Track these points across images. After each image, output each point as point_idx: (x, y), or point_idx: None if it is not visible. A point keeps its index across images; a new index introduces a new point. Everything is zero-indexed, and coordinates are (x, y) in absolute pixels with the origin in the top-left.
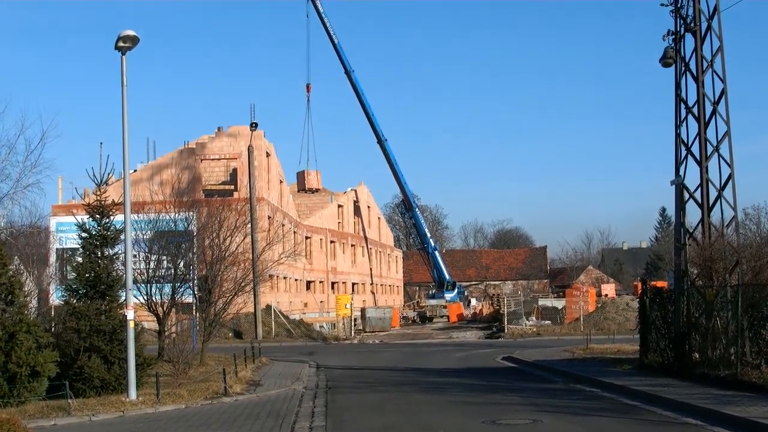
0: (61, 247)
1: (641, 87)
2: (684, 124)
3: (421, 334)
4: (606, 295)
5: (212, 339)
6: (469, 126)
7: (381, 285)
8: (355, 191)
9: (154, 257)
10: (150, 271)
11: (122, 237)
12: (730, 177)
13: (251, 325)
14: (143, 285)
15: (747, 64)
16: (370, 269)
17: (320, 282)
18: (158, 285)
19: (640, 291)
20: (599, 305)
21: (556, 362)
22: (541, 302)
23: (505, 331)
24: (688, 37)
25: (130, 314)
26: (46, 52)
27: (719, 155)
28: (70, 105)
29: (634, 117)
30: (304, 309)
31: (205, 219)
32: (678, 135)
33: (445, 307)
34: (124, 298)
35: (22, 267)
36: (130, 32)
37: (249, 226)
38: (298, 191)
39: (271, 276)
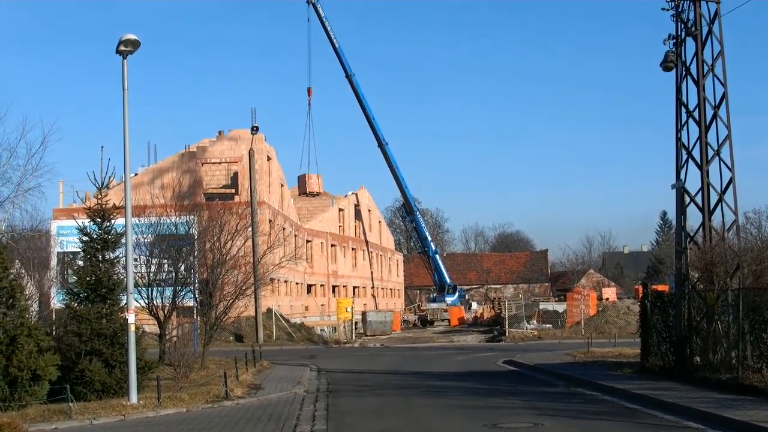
0: (62, 250)
1: (642, 91)
2: (685, 128)
3: (422, 337)
4: (607, 299)
5: (213, 342)
6: (469, 130)
7: (382, 288)
8: (356, 195)
9: (155, 261)
10: (151, 274)
11: (123, 240)
12: (731, 181)
13: (252, 328)
14: (144, 288)
15: (748, 68)
16: (371, 273)
17: (321, 285)
18: (159, 288)
19: (641, 295)
20: (600, 309)
21: (557, 366)
22: (542, 306)
23: (506, 334)
24: (689, 41)
25: (131, 318)
26: (47, 56)
27: (720, 159)
28: (71, 109)
29: (635, 121)
30: (305, 312)
31: (206, 222)
32: (679, 139)
33: (446, 310)
34: (125, 301)
35: (23, 270)
36: (132, 36)
37: (250, 229)
38: (299, 195)
39: (272, 279)
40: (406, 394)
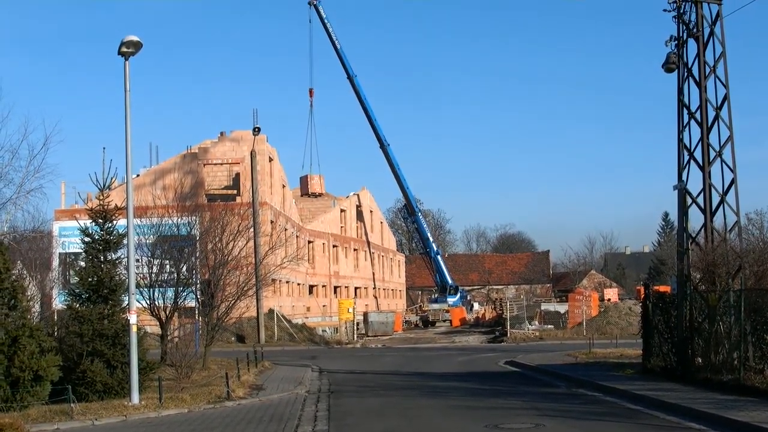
0: (64, 251)
1: (644, 92)
2: (687, 129)
3: (423, 338)
4: (609, 300)
5: (215, 343)
6: (471, 131)
7: (383, 289)
8: (358, 196)
9: (156, 261)
10: (153, 275)
11: (125, 241)
12: (732, 182)
13: (254, 329)
14: (146, 289)
15: (750, 69)
16: (373, 273)
17: (323, 286)
18: (161, 289)
19: (642, 295)
20: (602, 310)
21: (559, 366)
22: (544, 306)
23: (508, 335)
24: (691, 42)
25: (132, 318)
26: (49, 57)
27: (722, 160)
28: (73, 110)
29: (637, 122)
30: (306, 313)
31: (208, 223)
32: (681, 140)
33: (447, 311)
34: (126, 302)
35: (25, 271)
36: (134, 38)
37: (252, 230)
38: (301, 195)
39: (273, 280)
40: (407, 395)
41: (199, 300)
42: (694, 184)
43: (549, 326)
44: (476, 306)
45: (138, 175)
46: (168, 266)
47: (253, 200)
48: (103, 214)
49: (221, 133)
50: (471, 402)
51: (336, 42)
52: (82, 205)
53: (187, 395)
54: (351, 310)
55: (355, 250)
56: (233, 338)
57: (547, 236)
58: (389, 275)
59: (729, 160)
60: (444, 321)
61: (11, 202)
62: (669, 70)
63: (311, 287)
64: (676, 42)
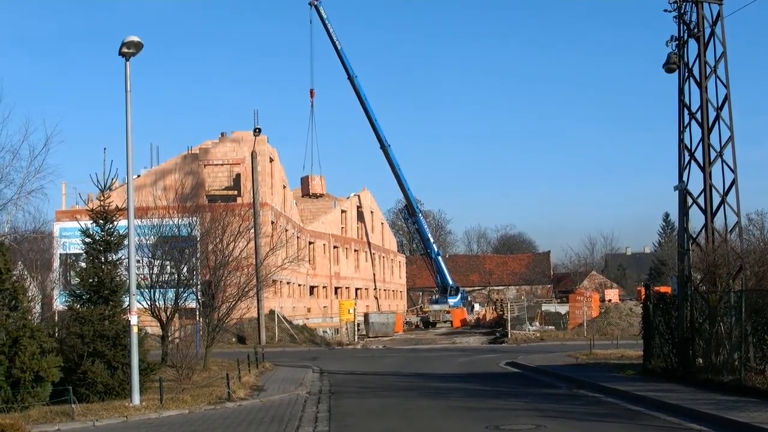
0: (65, 252)
1: (644, 92)
2: (687, 129)
3: (424, 339)
4: (609, 301)
5: (215, 344)
6: (472, 131)
7: (384, 290)
8: (359, 196)
9: (157, 262)
10: (153, 276)
11: (126, 242)
12: (733, 182)
13: (254, 330)
14: (147, 290)
15: (751, 69)
16: (374, 274)
17: (323, 287)
18: (162, 290)
19: (643, 296)
20: (603, 311)
21: (560, 367)
22: (545, 307)
23: (509, 336)
24: (692, 42)
25: (133, 319)
26: (49, 57)
27: (722, 161)
28: (73, 110)
29: (638, 122)
30: (307, 314)
31: (209, 224)
32: (681, 140)
33: (448, 312)
34: (127, 303)
35: (25, 272)
36: (134, 38)
37: (252, 231)
38: (302, 196)
39: (274, 281)
40: (408, 396)
41: (200, 301)
42: (695, 184)
43: (550, 327)
44: (477, 307)
45: (139, 176)
46: (169, 267)
47: (253, 201)
48: (103, 215)
49: (222, 134)
50: (472, 403)
51: (337, 42)
52: (82, 205)
53: (188, 396)
54: (352, 311)
55: (355, 250)
56: (234, 339)
57: (547, 237)
58: (390, 276)
59: (730, 161)
60: (445, 322)
61: (12, 202)
62: (670, 71)
63: (312, 288)
64: (677, 42)
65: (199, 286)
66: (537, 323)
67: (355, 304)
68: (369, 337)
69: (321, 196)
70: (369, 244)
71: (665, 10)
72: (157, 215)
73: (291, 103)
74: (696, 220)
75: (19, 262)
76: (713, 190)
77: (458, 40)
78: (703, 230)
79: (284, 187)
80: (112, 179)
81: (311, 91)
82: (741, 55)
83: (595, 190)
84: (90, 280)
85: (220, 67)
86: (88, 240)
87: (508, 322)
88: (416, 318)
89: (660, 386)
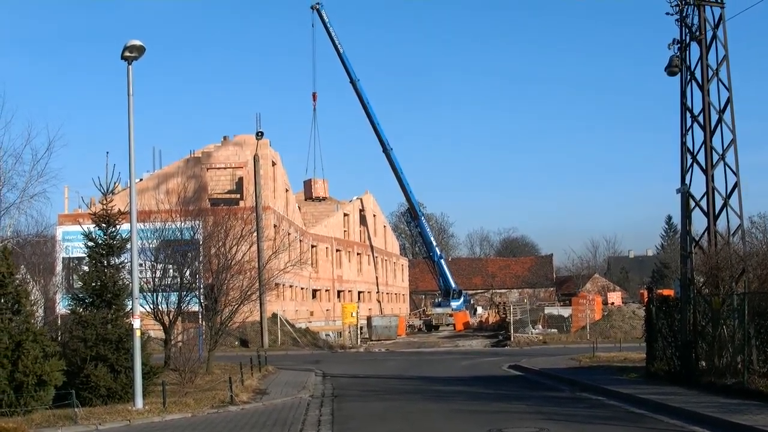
0: (68, 256)
1: (647, 95)
2: (690, 132)
3: (427, 342)
4: (612, 304)
5: (218, 348)
6: (474, 135)
7: (387, 293)
8: (361, 200)
9: (160, 266)
10: (156, 280)
11: (128, 246)
12: (736, 185)
13: (257, 333)
14: (149, 294)
15: (753, 72)
16: (376, 278)
17: (326, 290)
18: (164, 294)
19: (646, 299)
20: (605, 313)
21: (562, 370)
22: (547, 310)
23: (511, 339)
24: (694, 45)
25: (136, 323)
26: (52, 62)
27: (725, 163)
28: (74, 111)
29: (640, 125)
30: (310, 317)
31: (211, 228)
32: (684, 143)
33: (451, 315)
34: (130, 307)
35: (28, 276)
36: (137, 42)
37: (255, 234)
38: (305, 200)
39: (277, 285)
40: (411, 399)
41: (203, 304)
42: (697, 187)
43: (552, 330)
44: (480, 310)
45: (141, 180)
46: (171, 271)
47: (256, 204)
48: (106, 219)
49: (224, 138)
50: (474, 406)
51: (339, 46)
52: (85, 209)
53: (191, 400)
54: (354, 314)
55: (358, 254)
56: (237, 343)
57: (550, 240)
58: (392, 279)
59: (732, 164)
60: (447, 325)
61: (15, 206)
62: (672, 74)
63: (315, 291)
64: (679, 45)
65: (201, 290)
66: (540, 326)
67: (358, 307)
68: (372, 341)
69: (324, 199)
70: (372, 247)
71: (667, 13)
72: (160, 219)
73: (293, 107)
74: (698, 222)
75: (22, 266)
76: (716, 192)
77: (458, 40)
78: (706, 233)
79: (287, 190)
80: (115, 183)
81: (314, 95)
82: (743, 58)
83: (597, 193)
84: (93, 284)
85: (222, 70)
86: (90, 244)
87: (511, 325)
88: (419, 321)
89: (663, 389)
